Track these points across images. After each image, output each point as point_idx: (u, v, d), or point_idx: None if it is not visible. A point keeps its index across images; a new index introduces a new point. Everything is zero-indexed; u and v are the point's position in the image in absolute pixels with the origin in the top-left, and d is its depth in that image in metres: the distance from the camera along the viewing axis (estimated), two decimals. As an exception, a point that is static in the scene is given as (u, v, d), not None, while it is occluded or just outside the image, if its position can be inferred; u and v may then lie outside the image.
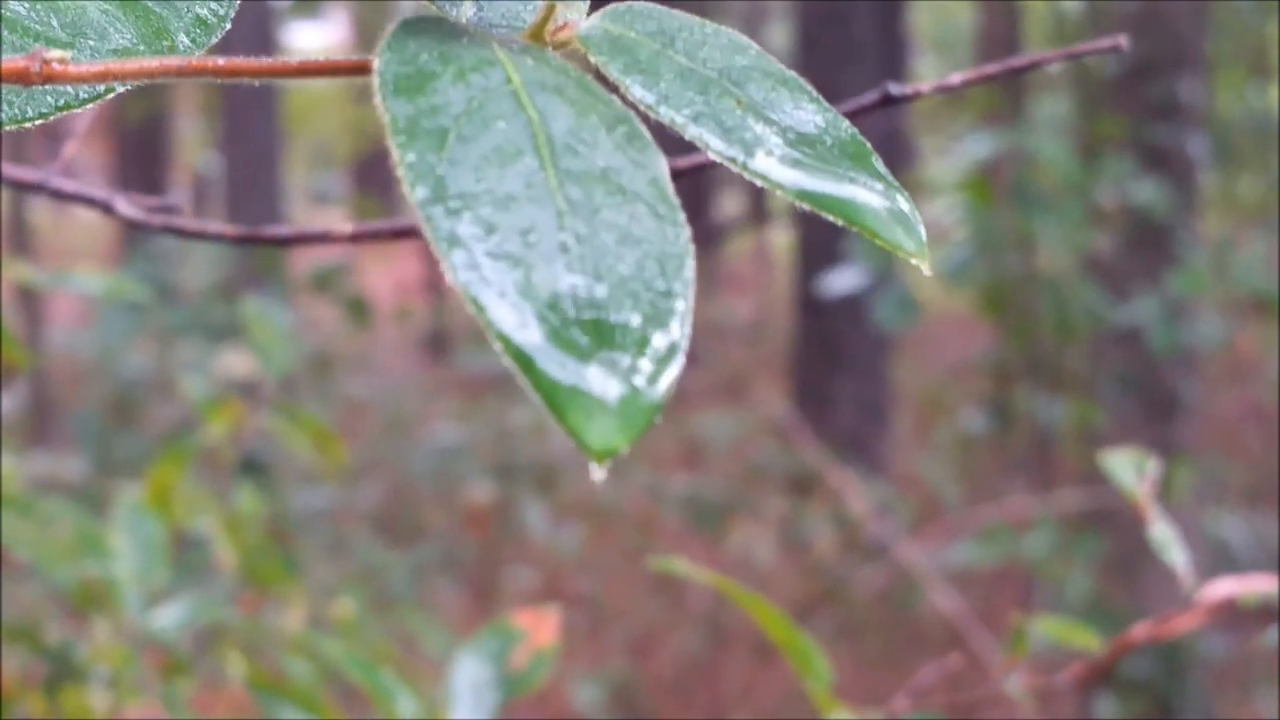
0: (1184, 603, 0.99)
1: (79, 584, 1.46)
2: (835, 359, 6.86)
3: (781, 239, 11.14)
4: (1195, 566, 1.02)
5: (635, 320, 0.44)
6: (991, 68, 0.64)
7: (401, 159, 0.45)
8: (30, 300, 6.28)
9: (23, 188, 0.77)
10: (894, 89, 0.65)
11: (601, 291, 0.44)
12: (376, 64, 0.48)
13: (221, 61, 0.50)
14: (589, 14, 0.54)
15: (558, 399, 0.42)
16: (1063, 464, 4.88)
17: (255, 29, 7.60)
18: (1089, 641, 1.02)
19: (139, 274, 3.85)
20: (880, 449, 6.71)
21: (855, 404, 6.78)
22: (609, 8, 0.54)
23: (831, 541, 5.55)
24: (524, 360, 0.42)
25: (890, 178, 0.52)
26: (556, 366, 0.42)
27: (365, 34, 13.77)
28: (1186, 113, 4.12)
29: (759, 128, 0.51)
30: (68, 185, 0.77)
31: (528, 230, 0.44)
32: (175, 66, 0.49)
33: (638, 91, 0.50)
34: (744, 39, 0.55)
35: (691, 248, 0.46)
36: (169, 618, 1.50)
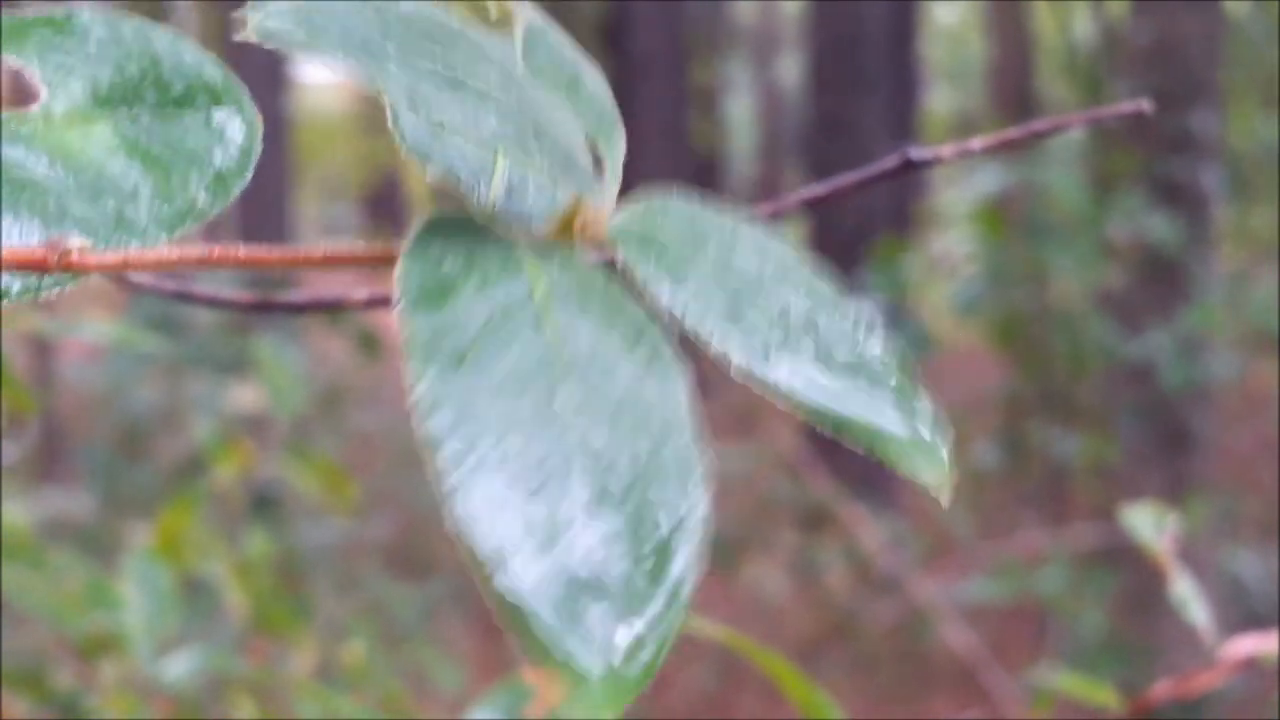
0: (1205, 657, 0.98)
1: (88, 634, 1.45)
2: (847, 392, 6.84)
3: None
4: (1210, 603, 1.01)
5: (632, 585, 0.41)
6: (1013, 131, 0.63)
7: (416, 385, 0.43)
8: (41, 337, 6.28)
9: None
10: (915, 154, 0.64)
11: (603, 549, 0.41)
12: (398, 271, 0.45)
13: (243, 253, 0.48)
14: (619, 203, 0.52)
15: (546, 662, 0.40)
16: (1076, 499, 4.86)
17: (266, 63, 7.63)
18: (1106, 698, 1.01)
19: (149, 310, 3.85)
20: (892, 483, 6.69)
21: (867, 437, 6.76)
22: (642, 203, 0.52)
23: (843, 576, 5.53)
24: (516, 618, 0.40)
25: (917, 398, 0.50)
26: (550, 629, 0.40)
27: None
28: (1200, 145, 4.11)
29: (786, 341, 0.49)
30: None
31: (535, 471, 0.42)
32: (195, 258, 0.48)
33: (666, 298, 0.48)
34: (775, 241, 0.54)
35: (708, 498, 0.43)
36: (179, 666, 1.49)
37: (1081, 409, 4.63)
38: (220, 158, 0.53)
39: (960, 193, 5.37)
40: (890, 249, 4.67)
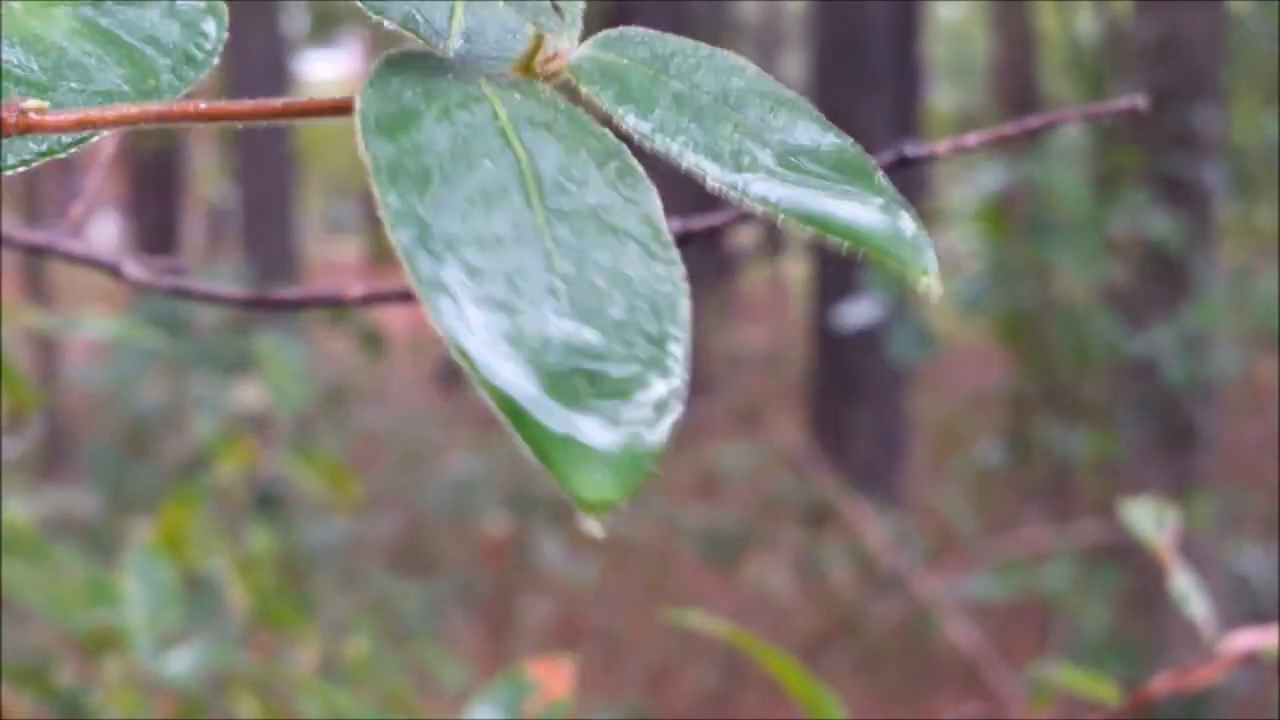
0: (1205, 651, 0.98)
1: (90, 630, 1.45)
2: (851, 390, 6.85)
3: (796, 269, 11.14)
4: (1214, 599, 1.01)
5: (629, 366, 0.42)
6: (1009, 128, 0.63)
7: (384, 200, 0.43)
8: (45, 335, 6.29)
9: (31, 250, 0.77)
10: (910, 150, 0.64)
11: (593, 337, 0.42)
12: (358, 102, 0.46)
13: (203, 105, 0.49)
14: (581, 41, 0.53)
15: (548, 450, 0.40)
16: (1080, 495, 4.86)
17: (269, 60, 7.63)
18: (1107, 693, 1.01)
19: (152, 309, 3.85)
20: (896, 480, 6.69)
21: (871, 435, 6.77)
22: (600, 35, 0.52)
23: (847, 573, 5.53)
24: (512, 410, 0.40)
25: (897, 195, 0.49)
26: (547, 416, 0.40)
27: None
28: (1203, 142, 4.11)
29: (757, 151, 0.49)
30: (76, 247, 0.76)
31: (515, 274, 0.42)
32: (156, 112, 0.48)
33: (631, 121, 0.48)
34: (741, 60, 0.53)
35: (686, 287, 0.44)
36: (181, 662, 1.49)
37: (1085, 406, 4.63)
38: (183, 40, 0.53)
39: (963, 191, 5.37)
40: (893, 246, 4.66)
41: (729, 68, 0.53)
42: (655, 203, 0.47)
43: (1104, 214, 4.19)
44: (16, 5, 0.52)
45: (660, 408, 0.42)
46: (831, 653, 5.30)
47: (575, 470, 0.40)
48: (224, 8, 0.55)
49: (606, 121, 0.49)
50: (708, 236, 0.68)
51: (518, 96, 0.49)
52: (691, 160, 0.48)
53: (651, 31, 0.53)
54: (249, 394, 3.26)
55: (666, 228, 0.46)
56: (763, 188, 0.48)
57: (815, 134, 0.51)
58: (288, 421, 2.64)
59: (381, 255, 13.24)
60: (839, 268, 6.49)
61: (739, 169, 0.48)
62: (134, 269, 0.76)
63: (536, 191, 0.45)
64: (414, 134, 0.45)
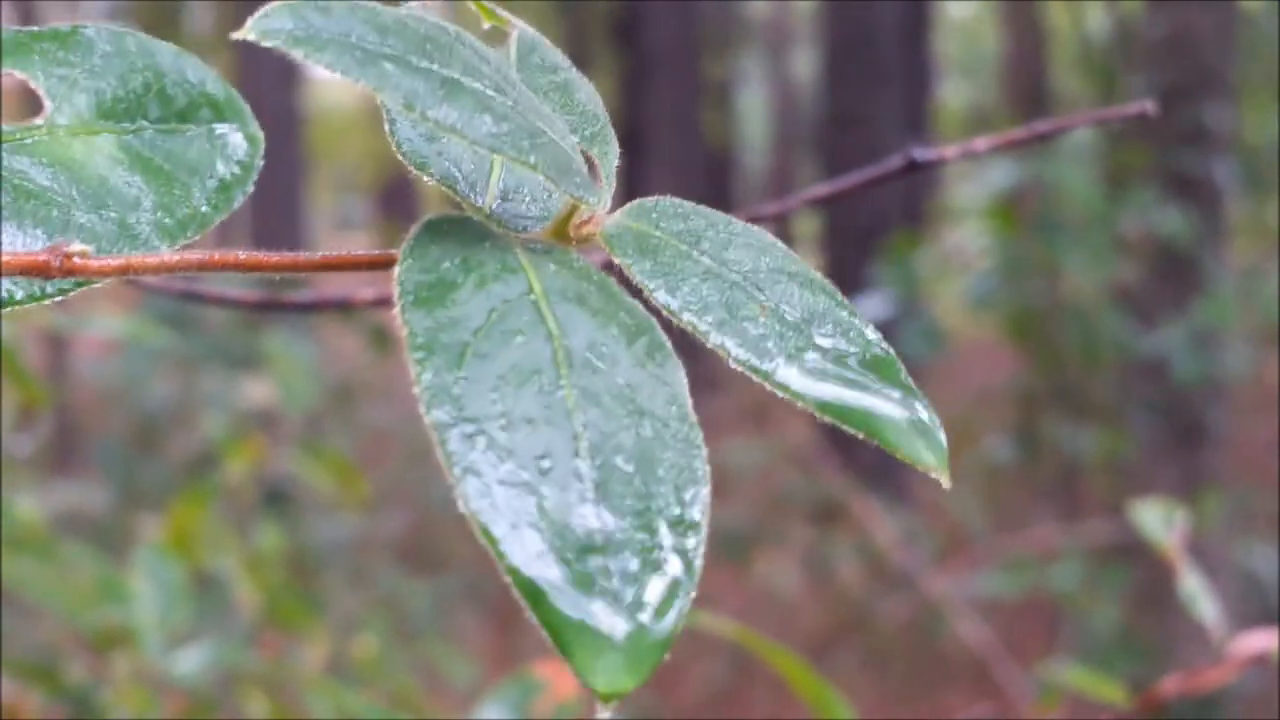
0: (1214, 653, 0.98)
1: (99, 627, 1.45)
2: (860, 387, 6.83)
3: (809, 263, 11.11)
4: (1224, 598, 1.01)
5: (647, 555, 0.43)
6: (1018, 133, 0.63)
7: (419, 377, 0.44)
8: (55, 332, 6.30)
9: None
10: (918, 155, 0.64)
11: (614, 524, 0.43)
12: (397, 271, 0.47)
13: (243, 255, 0.49)
14: (613, 206, 0.53)
15: (564, 636, 0.41)
16: (1090, 494, 4.85)
17: (279, 61, 7.63)
18: (1114, 695, 1.01)
19: (162, 306, 3.85)
20: (905, 478, 6.69)
21: (881, 432, 6.75)
22: (635, 204, 0.53)
23: (856, 571, 5.53)
24: (534, 595, 0.41)
25: (911, 385, 0.51)
26: (565, 602, 0.42)
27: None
28: (1213, 139, 4.10)
29: (781, 335, 0.50)
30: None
31: (542, 457, 0.43)
32: (196, 261, 0.49)
33: (661, 297, 0.49)
34: (770, 238, 0.54)
35: (708, 470, 0.45)
36: (190, 661, 1.50)
37: (1095, 404, 4.62)
38: (223, 170, 0.54)
39: (973, 188, 5.37)
40: (903, 244, 4.67)
41: (759, 246, 0.54)
42: (682, 381, 0.48)
43: (1114, 212, 4.18)
44: (61, 130, 0.52)
45: (673, 594, 0.43)
46: (840, 650, 5.30)
47: (590, 658, 0.42)
48: (260, 136, 0.56)
49: (636, 292, 0.50)
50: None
51: (552, 267, 0.49)
52: (716, 340, 0.49)
53: (686, 203, 0.54)
54: (258, 391, 3.26)
55: (691, 407, 0.47)
56: (784, 375, 0.49)
57: (840, 319, 0.52)
58: (296, 419, 2.64)
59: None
60: (848, 265, 6.49)
61: (762, 354, 0.49)
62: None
63: (567, 370, 0.45)
64: (450, 307, 0.46)
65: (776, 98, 15.30)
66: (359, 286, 0.71)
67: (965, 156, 0.63)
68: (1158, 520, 1.01)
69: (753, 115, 15.79)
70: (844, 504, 5.25)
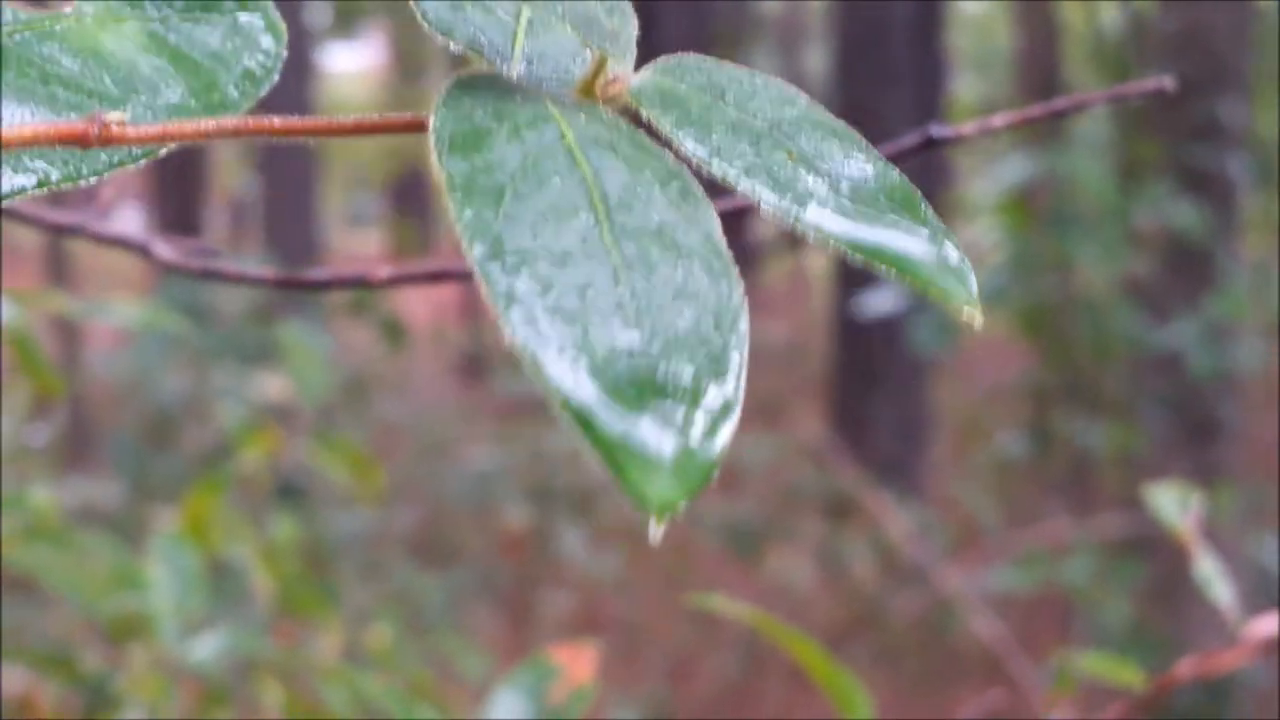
0: (1228, 638, 0.98)
1: (115, 615, 1.46)
2: (873, 382, 6.84)
3: (818, 261, 11.13)
4: (1238, 593, 1.01)
5: (691, 376, 0.44)
6: (1035, 110, 0.63)
7: (459, 215, 0.45)
8: (68, 324, 6.32)
9: (61, 231, 0.77)
10: (936, 131, 0.64)
11: (658, 347, 0.44)
12: (433, 121, 0.48)
13: (278, 121, 0.51)
14: (637, 68, 0.54)
15: (617, 456, 0.42)
16: (1102, 488, 4.85)
17: (293, 51, 7.63)
18: (1132, 678, 1.01)
19: (176, 298, 3.86)
20: (918, 472, 6.69)
21: (893, 427, 6.76)
22: (659, 61, 0.54)
23: (869, 565, 5.53)
24: (583, 417, 0.42)
25: (941, 224, 0.51)
26: (614, 422, 0.42)
27: (402, 57, 13.83)
28: (1227, 134, 4.10)
29: (811, 180, 0.50)
30: (106, 228, 0.77)
31: (585, 287, 0.44)
32: (231, 127, 0.50)
33: (690, 146, 0.50)
34: (793, 90, 0.55)
35: (745, 302, 0.46)
36: (205, 648, 1.50)
37: (1108, 398, 4.61)
38: (248, 58, 0.55)
39: (986, 183, 5.36)
40: (915, 238, 4.66)
41: (783, 97, 0.55)
42: (715, 222, 0.48)
43: (1127, 206, 4.18)
44: (89, 18, 0.53)
45: (720, 415, 0.44)
46: (853, 645, 5.30)
47: (639, 474, 0.42)
48: (283, 27, 0.57)
49: (666, 145, 0.51)
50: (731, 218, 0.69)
51: (582, 118, 0.51)
52: (747, 186, 0.49)
53: (709, 59, 0.55)
54: (273, 384, 3.27)
55: (725, 246, 0.48)
56: (816, 216, 0.49)
57: (865, 164, 0.53)
58: (310, 412, 2.65)
59: (402, 248, 13.25)
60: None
61: (794, 196, 0.50)
62: (163, 249, 0.76)
63: (604, 209, 0.47)
64: (486, 152, 0.47)
65: (788, 93, 15.28)
66: (375, 266, 0.71)
67: (984, 133, 0.63)
68: (1173, 504, 1.01)
69: (765, 111, 15.76)
70: (856, 499, 5.25)
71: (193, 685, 1.56)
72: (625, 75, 0.53)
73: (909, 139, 0.65)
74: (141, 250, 0.76)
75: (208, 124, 0.49)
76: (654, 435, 0.42)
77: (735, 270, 0.47)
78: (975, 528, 5.71)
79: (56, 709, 1.55)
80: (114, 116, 0.47)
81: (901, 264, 0.49)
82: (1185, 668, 0.98)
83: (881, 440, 6.63)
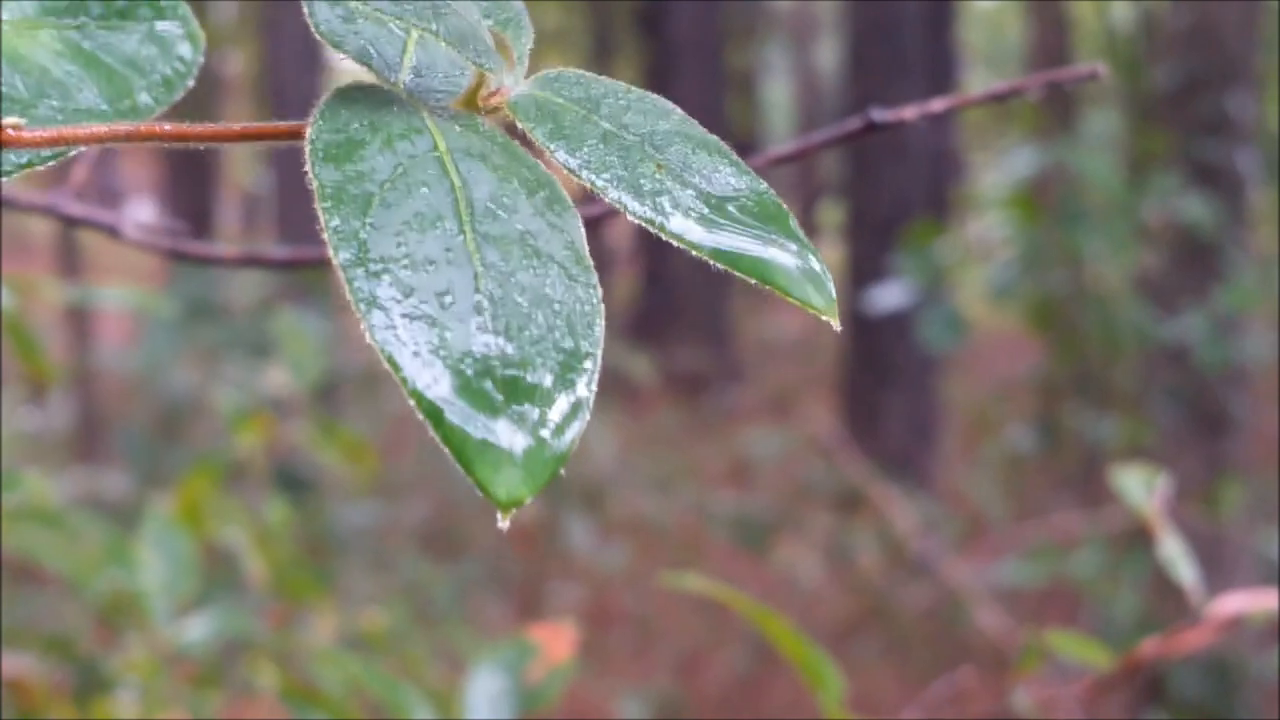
0: (1192, 615, 0.99)
1: (108, 596, 1.47)
2: (884, 376, 6.85)
3: (829, 255, 11.13)
4: (1245, 584, 1.02)
5: (543, 378, 0.46)
6: (977, 95, 0.65)
7: (327, 223, 0.47)
8: (79, 317, 6.35)
9: (31, 211, 0.79)
10: (877, 115, 0.66)
11: (512, 350, 0.46)
12: (308, 132, 0.50)
13: (168, 127, 0.52)
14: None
15: (465, 451, 0.44)
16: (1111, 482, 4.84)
17: (301, 44, 7.65)
18: (1099, 657, 1.02)
19: (185, 290, 3.88)
20: (928, 466, 6.69)
21: (903, 421, 6.77)
22: (539, 75, 0.56)
23: (877, 559, 5.53)
24: (434, 414, 0.44)
25: (804, 238, 0.53)
26: (466, 420, 0.45)
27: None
28: (1236, 128, 4.10)
29: (677, 191, 0.52)
30: (75, 209, 0.78)
31: (444, 292, 0.46)
32: (124, 132, 0.51)
33: (561, 157, 0.52)
34: (668, 104, 0.57)
35: (602, 308, 0.48)
36: (197, 630, 1.52)
37: (1117, 392, 4.62)
38: (163, 65, 0.56)
39: (996, 177, 5.36)
40: (925, 233, 4.67)
41: (656, 111, 0.57)
42: (579, 229, 0.51)
43: (1136, 200, 4.18)
44: (5, 25, 0.55)
45: (569, 416, 0.46)
46: (861, 638, 5.31)
47: (488, 471, 0.45)
48: (201, 34, 0.59)
49: (541, 155, 0.53)
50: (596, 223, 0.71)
51: (457, 129, 0.53)
52: (614, 195, 0.51)
53: (587, 74, 0.57)
54: (277, 377, 3.29)
55: (588, 253, 0.50)
56: (680, 226, 0.51)
57: (733, 178, 0.55)
58: (306, 397, 2.66)
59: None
60: (871, 253, 6.49)
61: (657, 207, 0.51)
62: (132, 230, 0.78)
63: (469, 217, 0.49)
64: (358, 162, 0.50)
65: (800, 88, 15.31)
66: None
67: (925, 117, 0.64)
68: (1138, 485, 1.03)
69: (777, 105, 15.81)
70: (865, 492, 5.26)
71: (186, 666, 1.57)
72: (509, 88, 0.55)
73: (850, 123, 0.66)
74: (110, 230, 0.77)
75: (101, 129, 0.51)
76: (505, 434, 0.45)
77: (594, 276, 0.49)
78: (984, 521, 5.71)
79: (50, 691, 1.57)
80: (10, 120, 0.49)
81: (763, 272, 0.51)
82: (1149, 647, 0.99)
83: (892, 434, 6.63)
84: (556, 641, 1.16)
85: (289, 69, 6.52)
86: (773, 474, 6.66)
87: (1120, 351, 4.42)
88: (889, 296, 4.91)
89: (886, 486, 5.03)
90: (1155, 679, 3.76)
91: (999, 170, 5.06)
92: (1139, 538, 4.10)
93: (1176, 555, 0.99)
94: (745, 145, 11.85)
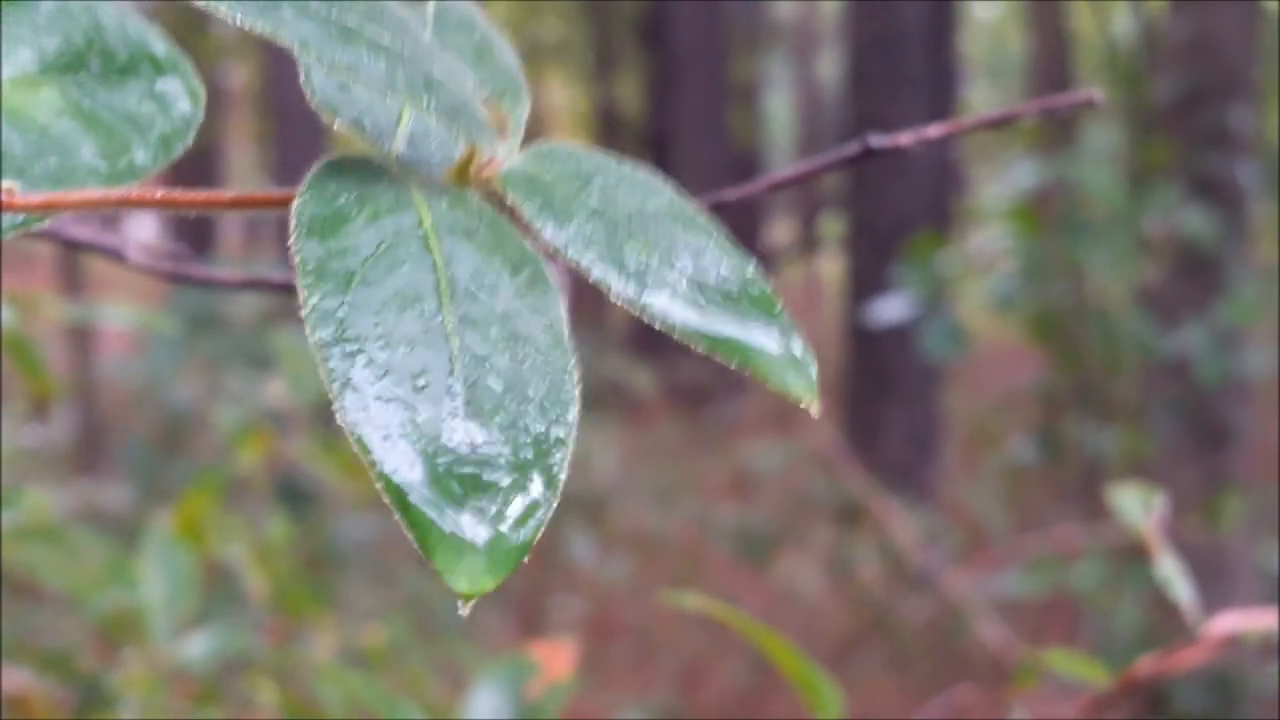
0: (1188, 634, 0.99)
1: (109, 612, 1.47)
2: (885, 388, 6.85)
3: (831, 268, 11.13)
4: (1245, 598, 1.03)
5: (511, 471, 0.45)
6: (970, 121, 0.65)
7: (306, 300, 0.46)
8: (80, 329, 6.35)
9: (35, 237, 0.79)
10: (874, 141, 0.66)
11: (482, 439, 0.45)
12: (294, 204, 0.49)
13: (160, 194, 0.52)
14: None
15: (428, 540, 0.44)
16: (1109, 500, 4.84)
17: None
18: (1097, 675, 1.02)
19: (186, 303, 3.89)
20: (929, 478, 6.69)
21: (904, 433, 6.77)
22: (532, 149, 0.56)
23: (878, 571, 5.53)
24: (400, 499, 0.44)
25: (788, 320, 0.53)
26: (431, 509, 0.44)
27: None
28: (1237, 141, 4.10)
29: (663, 270, 0.52)
30: (80, 233, 0.78)
31: (419, 374, 0.46)
32: (116, 198, 0.51)
33: (549, 233, 0.52)
34: (659, 182, 0.57)
35: (577, 393, 0.48)
36: (197, 647, 1.52)
37: (1118, 404, 4.62)
38: (163, 122, 0.56)
39: (997, 189, 5.37)
40: (927, 245, 4.67)
41: (647, 188, 0.56)
42: (561, 311, 0.50)
43: (1137, 212, 4.18)
44: (6, 83, 0.55)
45: (533, 508, 0.45)
46: (862, 651, 5.31)
47: (450, 560, 0.44)
48: (201, 91, 0.59)
49: (529, 230, 0.52)
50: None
51: (445, 204, 0.52)
52: (599, 273, 0.51)
53: (580, 149, 0.57)
54: (273, 388, 3.29)
55: (568, 334, 0.50)
56: (664, 306, 0.51)
57: (721, 258, 0.54)
58: (305, 413, 2.67)
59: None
60: (873, 266, 6.50)
61: (641, 286, 0.51)
62: (137, 254, 0.78)
63: (449, 297, 0.48)
64: (342, 238, 0.49)
65: (802, 100, 15.33)
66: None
67: (921, 143, 0.65)
68: (1135, 504, 1.03)
69: (779, 117, 15.83)
70: (866, 505, 5.26)
71: (186, 683, 1.58)
72: (501, 160, 0.55)
73: (848, 149, 0.67)
74: (115, 255, 0.78)
75: (93, 195, 0.51)
76: (469, 524, 0.44)
77: (573, 360, 0.49)
78: (984, 533, 5.71)
79: (51, 708, 1.57)
80: (5, 185, 0.49)
81: (744, 356, 0.51)
82: (1146, 664, 1.00)
83: (892, 446, 6.63)
84: (556, 658, 1.16)
85: (291, 83, 6.52)
86: (774, 486, 6.66)
87: (1121, 364, 4.42)
88: (890, 309, 4.91)
89: (887, 499, 5.03)
90: (1156, 692, 3.76)
91: (1000, 183, 5.06)
92: (1140, 550, 4.10)
93: (1173, 574, 0.99)
94: (746, 158, 11.87)
